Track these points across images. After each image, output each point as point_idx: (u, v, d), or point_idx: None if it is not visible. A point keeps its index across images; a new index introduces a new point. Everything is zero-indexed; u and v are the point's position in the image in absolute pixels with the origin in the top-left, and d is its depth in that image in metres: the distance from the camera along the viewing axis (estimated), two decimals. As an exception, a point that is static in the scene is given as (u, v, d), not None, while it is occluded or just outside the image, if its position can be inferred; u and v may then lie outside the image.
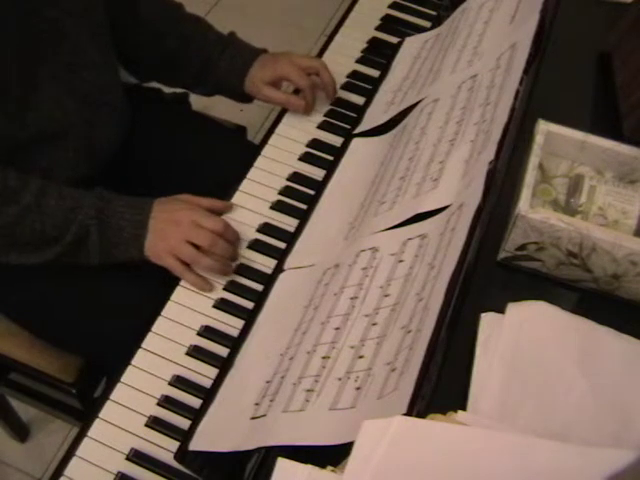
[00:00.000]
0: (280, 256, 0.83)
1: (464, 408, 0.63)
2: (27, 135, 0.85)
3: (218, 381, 0.73)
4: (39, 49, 0.83)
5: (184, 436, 0.69)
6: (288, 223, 0.88)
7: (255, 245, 0.86)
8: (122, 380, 0.76)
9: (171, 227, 0.84)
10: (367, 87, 1.02)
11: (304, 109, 0.99)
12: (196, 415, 0.71)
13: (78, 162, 0.93)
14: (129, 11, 1.01)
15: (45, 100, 0.85)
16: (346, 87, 1.03)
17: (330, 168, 0.90)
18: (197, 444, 0.68)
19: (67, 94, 0.87)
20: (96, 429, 0.73)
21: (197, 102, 1.21)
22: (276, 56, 1.02)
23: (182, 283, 0.83)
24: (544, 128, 0.76)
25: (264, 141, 0.97)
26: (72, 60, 0.87)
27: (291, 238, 0.84)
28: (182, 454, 0.68)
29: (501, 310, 0.68)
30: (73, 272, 0.92)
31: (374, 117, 0.94)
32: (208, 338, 0.79)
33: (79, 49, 0.88)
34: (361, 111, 0.97)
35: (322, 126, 0.99)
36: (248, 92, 1.04)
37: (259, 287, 0.82)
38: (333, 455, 0.52)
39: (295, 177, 0.93)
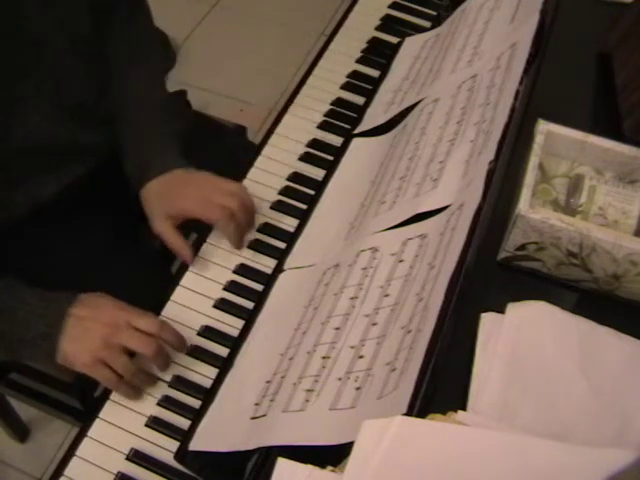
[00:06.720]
0: (280, 256, 0.83)
1: (464, 408, 0.63)
2: (16, 147, 0.84)
3: (218, 381, 0.73)
4: (20, 63, 0.81)
5: (184, 436, 0.69)
6: (288, 223, 0.88)
7: (255, 245, 0.86)
8: (122, 380, 0.76)
9: (101, 329, 0.71)
10: (367, 87, 1.02)
11: (192, 261, 0.83)
12: (196, 415, 0.71)
13: (70, 167, 0.92)
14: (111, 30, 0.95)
15: (31, 112, 0.84)
16: (346, 87, 1.03)
17: (330, 168, 0.90)
18: (197, 444, 0.68)
19: (53, 105, 0.86)
20: (96, 429, 0.73)
21: (197, 102, 1.21)
22: (185, 185, 0.86)
23: (182, 283, 0.83)
24: (544, 128, 0.76)
25: (264, 141, 0.97)
26: (55, 72, 0.85)
27: (291, 238, 0.84)
28: (182, 454, 0.68)
29: (501, 310, 0.68)
30: (73, 270, 0.92)
31: (374, 117, 0.94)
32: (208, 338, 0.79)
33: (61, 60, 0.86)
34: (361, 111, 0.97)
35: (322, 126, 0.99)
36: (143, 206, 0.88)
37: (259, 287, 0.82)
38: (333, 455, 0.52)
39: (295, 177, 0.93)
